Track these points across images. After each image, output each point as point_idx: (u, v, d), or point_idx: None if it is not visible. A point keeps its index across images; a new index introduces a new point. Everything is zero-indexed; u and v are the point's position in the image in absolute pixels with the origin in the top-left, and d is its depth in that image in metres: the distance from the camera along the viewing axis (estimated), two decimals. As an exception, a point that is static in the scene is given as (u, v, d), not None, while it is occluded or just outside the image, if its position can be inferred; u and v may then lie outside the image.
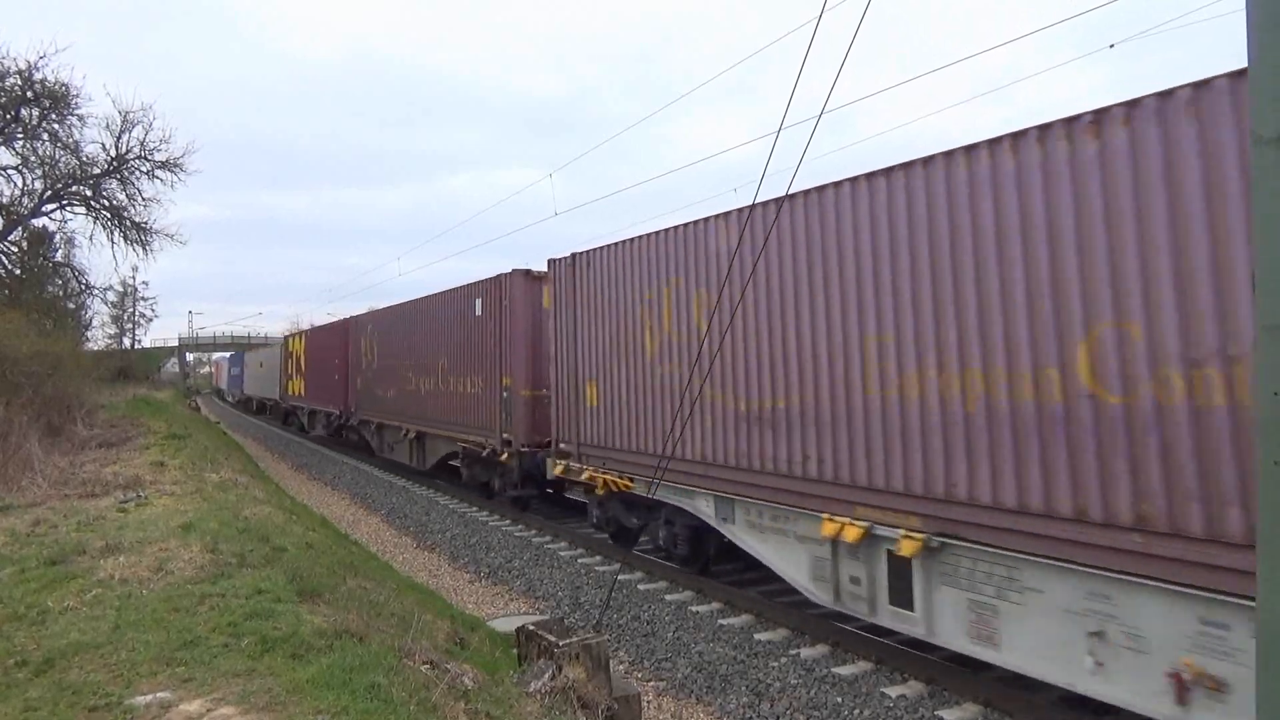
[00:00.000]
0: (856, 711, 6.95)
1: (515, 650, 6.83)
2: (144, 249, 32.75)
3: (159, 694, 4.54)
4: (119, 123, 30.46)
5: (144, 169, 31.55)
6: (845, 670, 7.74)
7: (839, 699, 7.18)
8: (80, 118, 29.57)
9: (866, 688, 7.35)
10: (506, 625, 8.73)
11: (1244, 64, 2.57)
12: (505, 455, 15.74)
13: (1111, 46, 9.86)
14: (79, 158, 30.71)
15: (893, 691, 7.22)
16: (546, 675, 6.07)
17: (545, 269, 13.91)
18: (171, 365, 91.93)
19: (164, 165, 31.50)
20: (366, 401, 25.07)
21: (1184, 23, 10.76)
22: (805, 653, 8.24)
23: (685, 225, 10.21)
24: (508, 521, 15.74)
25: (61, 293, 35.67)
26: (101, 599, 6.33)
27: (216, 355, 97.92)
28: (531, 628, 6.67)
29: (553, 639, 6.34)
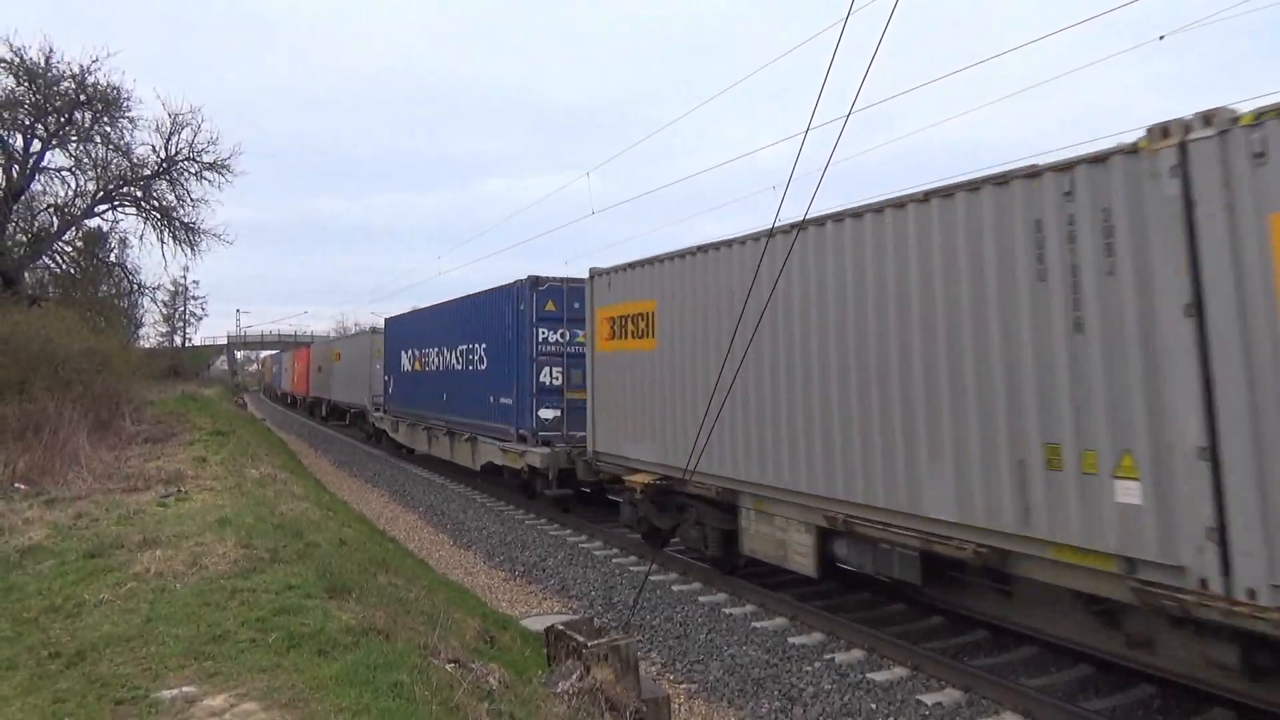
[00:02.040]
0: (891, 719, 6.79)
1: (545, 650, 6.78)
2: (192, 249, 33.34)
3: (184, 688, 4.56)
4: (168, 125, 31.05)
5: (192, 170, 32.12)
6: (880, 676, 7.57)
7: (873, 705, 7.02)
8: (131, 120, 30.21)
9: (902, 694, 7.18)
10: (538, 624, 8.70)
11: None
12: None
13: (1161, 38, 9.56)
14: (130, 159, 31.34)
15: (929, 699, 7.04)
16: (574, 676, 6.01)
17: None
18: (220, 363, 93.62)
19: (211, 166, 32.05)
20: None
21: (1237, 12, 10.40)
22: (840, 657, 8.08)
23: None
24: (544, 520, 15.74)
25: (114, 292, 36.49)
26: (136, 592, 6.40)
27: (265, 352, 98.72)
28: (561, 627, 6.60)
29: (581, 639, 6.28)
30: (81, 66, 28.25)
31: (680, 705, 7.36)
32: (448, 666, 5.18)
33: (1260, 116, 5.03)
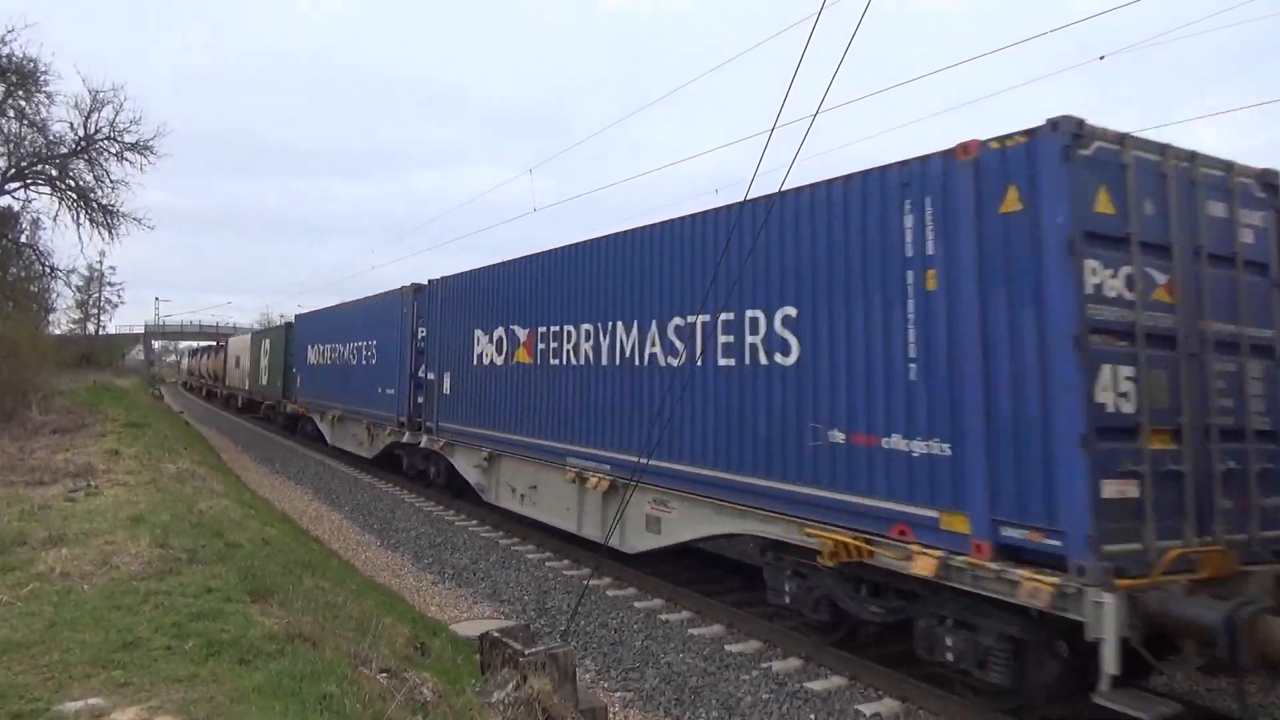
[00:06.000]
0: (830, 729, 6.73)
1: (478, 657, 6.54)
2: (110, 232, 31.87)
3: (91, 700, 4.22)
4: (88, 102, 29.73)
5: (113, 150, 30.79)
6: (818, 685, 7.51)
7: (812, 715, 6.96)
8: (48, 95, 28.83)
9: (840, 704, 7.13)
10: (470, 630, 8.46)
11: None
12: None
13: (1102, 58, 9.78)
14: (45, 136, 29.93)
15: (867, 709, 7.00)
16: (510, 686, 5.79)
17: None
18: (137, 353, 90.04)
19: (134, 147, 30.75)
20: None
21: (1175, 36, 10.71)
22: (777, 666, 8.00)
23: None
24: (474, 522, 15.40)
25: (24, 275, 34.74)
26: (38, 594, 5.97)
27: (184, 343, 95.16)
28: (496, 635, 6.37)
29: (518, 647, 6.05)
30: (-5, 36, 26.84)
31: (616, 714, 7.19)
32: (379, 677, 4.93)
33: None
